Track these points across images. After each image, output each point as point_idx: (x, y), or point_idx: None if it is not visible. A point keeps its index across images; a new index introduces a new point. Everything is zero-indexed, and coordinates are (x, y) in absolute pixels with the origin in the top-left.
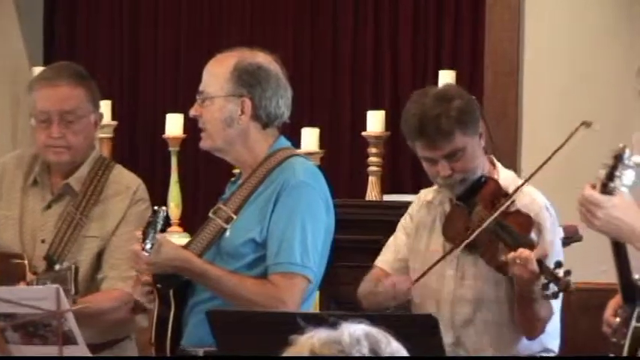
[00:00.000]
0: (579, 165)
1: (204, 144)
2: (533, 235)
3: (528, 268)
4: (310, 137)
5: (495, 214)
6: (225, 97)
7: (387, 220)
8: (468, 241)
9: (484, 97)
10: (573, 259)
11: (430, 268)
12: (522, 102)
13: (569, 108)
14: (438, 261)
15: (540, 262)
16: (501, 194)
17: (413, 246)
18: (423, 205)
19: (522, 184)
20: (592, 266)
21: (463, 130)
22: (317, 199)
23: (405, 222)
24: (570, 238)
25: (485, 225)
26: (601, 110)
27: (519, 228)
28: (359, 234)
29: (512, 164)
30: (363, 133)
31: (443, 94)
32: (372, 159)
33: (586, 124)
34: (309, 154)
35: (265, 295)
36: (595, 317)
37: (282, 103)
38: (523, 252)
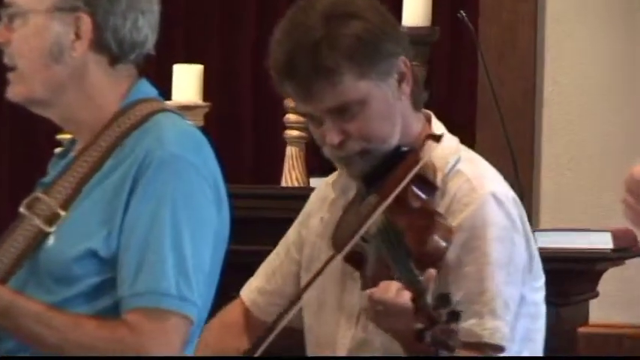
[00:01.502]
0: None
1: (14, 92)
2: (431, 247)
3: (388, 308)
4: (188, 80)
5: (377, 212)
6: (47, 13)
7: None
8: (342, 254)
9: (479, 16)
10: (629, 286)
11: (291, 306)
12: (544, 22)
13: (619, 26)
14: (304, 289)
15: (419, 296)
16: (421, 176)
17: (308, 266)
18: (324, 202)
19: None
20: None
21: (359, 68)
22: (200, 185)
23: (295, 226)
24: (624, 250)
25: (364, 229)
26: None
27: (414, 237)
28: (270, 242)
29: (528, 126)
30: None
31: (336, 7)
32: (290, 117)
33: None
34: (185, 110)
35: (117, 345)
36: None
37: (142, 23)
38: (385, 287)
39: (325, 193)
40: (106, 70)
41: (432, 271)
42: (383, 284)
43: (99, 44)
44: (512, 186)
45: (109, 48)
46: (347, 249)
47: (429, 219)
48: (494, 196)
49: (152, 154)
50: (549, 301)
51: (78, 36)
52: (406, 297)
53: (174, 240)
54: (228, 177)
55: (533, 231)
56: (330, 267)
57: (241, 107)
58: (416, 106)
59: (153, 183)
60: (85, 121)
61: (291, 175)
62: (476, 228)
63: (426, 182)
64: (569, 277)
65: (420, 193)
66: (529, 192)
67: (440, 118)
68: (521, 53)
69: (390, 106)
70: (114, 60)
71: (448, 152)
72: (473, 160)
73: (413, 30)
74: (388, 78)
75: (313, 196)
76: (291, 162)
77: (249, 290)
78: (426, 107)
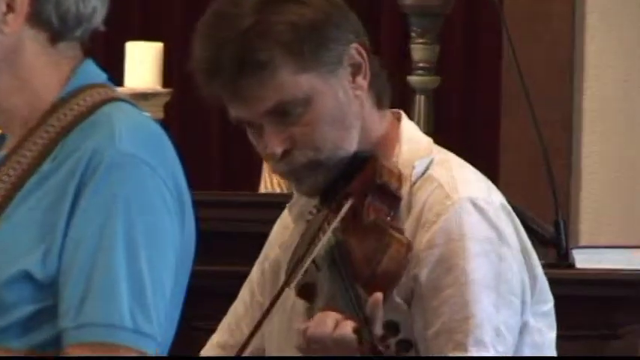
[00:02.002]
0: None
1: None
2: (381, 269)
3: (325, 345)
4: (145, 62)
5: (327, 232)
6: None
7: None
8: (291, 286)
9: None
10: None
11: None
12: None
13: None
14: (252, 333)
15: (363, 325)
16: (380, 186)
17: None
18: (286, 229)
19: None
20: None
21: (297, 60)
22: (160, 191)
23: (258, 262)
24: None
25: (313, 254)
26: None
27: (362, 257)
28: (246, 262)
29: (564, 117)
30: None
31: None
32: None
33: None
34: (141, 98)
35: None
36: None
37: None
38: (320, 320)
39: (287, 221)
40: (45, 50)
41: (378, 296)
42: (318, 317)
43: (38, 18)
44: (545, 191)
45: (50, 22)
46: (296, 280)
47: (381, 234)
48: (473, 202)
49: (100, 154)
50: (591, 335)
51: (11, 8)
52: (347, 328)
53: (128, 259)
54: (194, 181)
55: (571, 248)
56: (289, 305)
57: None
58: (379, 103)
59: (102, 189)
60: (17, 112)
61: (272, 180)
62: (452, 242)
63: (386, 192)
64: (615, 305)
65: (378, 205)
66: (566, 199)
67: (454, 108)
68: (556, 28)
69: (342, 104)
70: (55, 37)
71: (417, 156)
72: (447, 161)
73: (422, 0)
74: (338, 70)
75: (276, 225)
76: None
77: (210, 346)
78: (437, 96)
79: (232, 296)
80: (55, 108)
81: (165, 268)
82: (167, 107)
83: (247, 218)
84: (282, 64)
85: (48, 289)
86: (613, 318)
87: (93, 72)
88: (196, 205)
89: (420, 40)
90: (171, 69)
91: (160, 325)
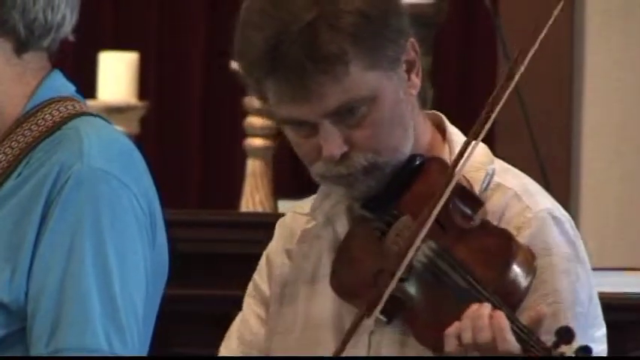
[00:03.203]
0: None
1: None
2: (513, 276)
3: (495, 343)
4: (119, 73)
5: (417, 241)
6: None
7: None
8: (379, 306)
9: None
10: None
11: None
12: None
13: None
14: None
15: (522, 331)
16: (463, 189)
17: (277, 323)
18: (291, 237)
19: (473, 140)
20: None
21: (367, 55)
22: (133, 209)
23: (258, 278)
24: None
25: (407, 261)
26: None
27: (480, 262)
28: (227, 285)
29: (563, 133)
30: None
31: None
32: (253, 121)
33: None
34: (114, 112)
35: None
36: None
37: (59, 0)
38: (479, 313)
39: (291, 227)
40: (10, 61)
41: (542, 311)
42: (470, 319)
43: (2, 26)
44: None
45: (16, 31)
46: (385, 295)
47: (498, 238)
48: (552, 216)
49: (68, 169)
50: None
51: None
52: (510, 337)
53: (99, 281)
54: (171, 200)
55: None
56: (319, 310)
57: (188, 108)
58: (423, 104)
59: (70, 207)
60: None
61: (254, 198)
62: (537, 257)
63: (469, 196)
64: (622, 330)
65: (463, 209)
66: None
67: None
68: (555, 37)
69: (401, 103)
70: (21, 47)
71: (481, 161)
72: (512, 171)
73: (413, 8)
74: (398, 67)
75: (278, 231)
76: (253, 180)
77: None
78: (431, 107)
79: (212, 321)
80: (18, 124)
81: (136, 287)
82: (143, 122)
83: (227, 239)
84: (353, 59)
85: (16, 314)
86: (618, 343)
87: (60, 84)
88: (173, 225)
89: None
90: (147, 81)
91: (134, 347)
